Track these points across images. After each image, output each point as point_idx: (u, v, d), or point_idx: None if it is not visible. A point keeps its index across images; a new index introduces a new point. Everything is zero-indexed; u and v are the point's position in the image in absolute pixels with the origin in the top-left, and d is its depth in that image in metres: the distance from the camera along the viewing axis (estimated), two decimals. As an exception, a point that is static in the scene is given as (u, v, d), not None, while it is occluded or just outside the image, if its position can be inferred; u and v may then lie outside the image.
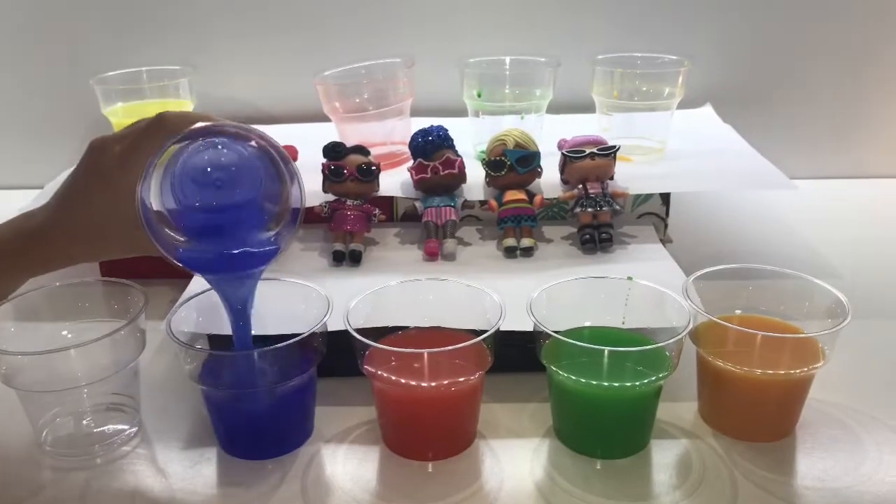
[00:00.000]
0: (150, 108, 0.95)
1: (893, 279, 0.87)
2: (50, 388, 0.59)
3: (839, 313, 0.60)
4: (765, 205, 1.05)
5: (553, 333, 0.57)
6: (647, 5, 1.07)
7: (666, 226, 0.86)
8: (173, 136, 0.54)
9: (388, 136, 0.91)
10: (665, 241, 0.85)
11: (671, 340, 0.57)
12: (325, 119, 0.92)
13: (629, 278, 0.64)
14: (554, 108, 0.93)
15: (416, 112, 0.93)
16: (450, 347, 0.56)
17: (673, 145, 0.92)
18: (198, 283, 0.72)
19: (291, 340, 0.57)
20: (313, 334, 0.58)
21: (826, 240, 0.96)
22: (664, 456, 0.60)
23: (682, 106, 0.92)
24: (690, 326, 0.58)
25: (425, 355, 0.56)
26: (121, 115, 0.94)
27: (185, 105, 0.95)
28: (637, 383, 0.57)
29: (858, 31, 1.09)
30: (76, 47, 1.09)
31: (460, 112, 0.95)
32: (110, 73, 0.94)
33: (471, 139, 0.93)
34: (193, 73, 0.97)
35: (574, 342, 0.56)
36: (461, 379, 0.58)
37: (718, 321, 0.59)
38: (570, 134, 0.86)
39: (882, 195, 1.11)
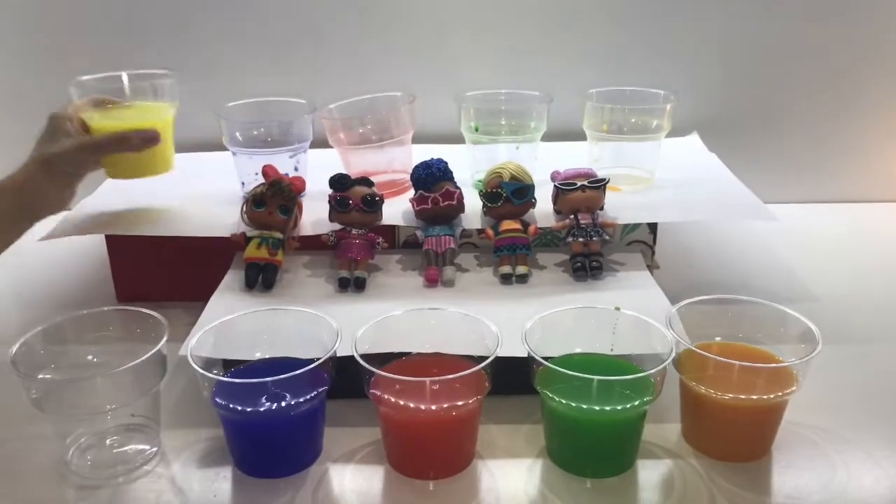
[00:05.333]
0: (129, 112, 0.86)
1: (865, 303, 0.92)
2: (78, 412, 0.63)
3: (811, 340, 0.65)
4: (747, 229, 1.09)
5: (544, 362, 0.62)
6: (637, 40, 1.12)
7: (653, 253, 0.91)
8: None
9: (390, 164, 0.96)
10: (652, 267, 0.89)
11: (654, 370, 0.61)
12: (328, 146, 0.96)
13: (616, 308, 0.69)
14: (548, 136, 0.97)
15: (415, 139, 0.97)
16: (450, 376, 0.60)
17: (661, 174, 0.97)
18: (212, 309, 0.76)
19: (303, 369, 0.61)
20: (323, 361, 0.62)
21: (804, 262, 1.01)
22: (649, 475, 0.64)
23: (669, 133, 0.97)
24: (673, 355, 0.63)
25: (427, 382, 0.61)
26: (97, 119, 0.85)
27: (167, 108, 0.87)
28: (623, 407, 0.62)
29: (835, 64, 1.14)
30: (55, 54, 1.11)
31: (458, 139, 0.99)
32: (87, 77, 0.87)
33: (468, 167, 0.98)
34: (176, 76, 0.89)
35: (564, 371, 0.61)
36: (461, 403, 0.62)
37: (699, 351, 0.63)
38: (563, 161, 0.91)
39: (857, 219, 1.17)
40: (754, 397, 0.63)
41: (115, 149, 0.83)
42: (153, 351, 0.63)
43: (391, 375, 0.61)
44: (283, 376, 0.60)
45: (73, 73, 0.83)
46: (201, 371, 0.62)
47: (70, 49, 1.12)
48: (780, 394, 0.64)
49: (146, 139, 0.83)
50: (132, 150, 0.83)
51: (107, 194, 0.97)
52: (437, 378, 0.60)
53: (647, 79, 1.02)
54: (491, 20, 1.11)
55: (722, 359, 0.63)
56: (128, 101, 0.87)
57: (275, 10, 1.10)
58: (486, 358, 0.62)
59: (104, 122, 0.84)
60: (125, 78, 0.87)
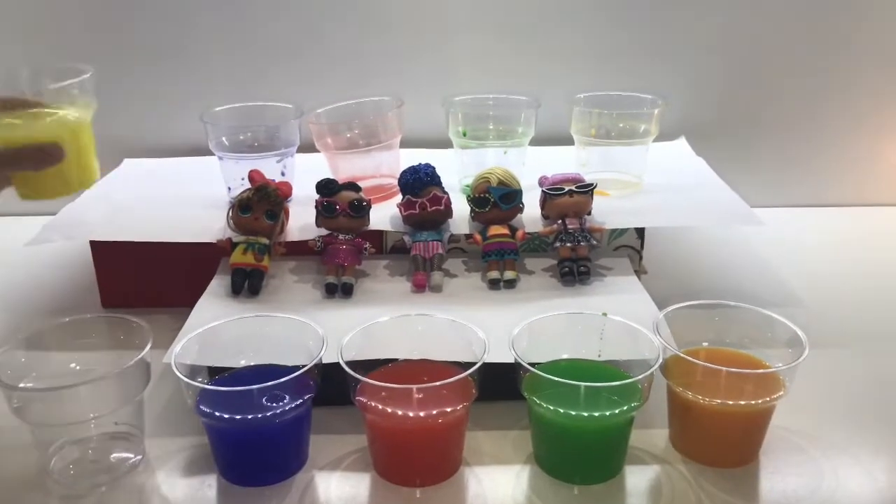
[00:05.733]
0: (27, 119, 0.66)
1: (852, 307, 0.92)
2: (60, 421, 0.62)
3: (798, 346, 0.65)
4: (734, 234, 1.09)
5: (531, 368, 0.61)
6: (624, 44, 1.12)
7: (641, 258, 0.91)
8: None
9: (377, 169, 0.95)
10: (640, 272, 0.89)
11: (642, 376, 0.61)
12: (316, 150, 0.95)
13: (604, 314, 0.69)
14: (535, 141, 0.97)
15: (403, 144, 0.97)
16: (437, 383, 0.60)
17: (648, 179, 0.97)
18: (198, 316, 0.76)
19: (288, 377, 0.60)
20: (309, 369, 0.62)
21: (791, 266, 1.01)
22: (637, 481, 0.64)
23: (657, 138, 0.97)
24: (661, 361, 0.63)
25: (413, 390, 0.60)
26: None
27: (78, 113, 0.69)
28: (611, 413, 0.61)
29: (823, 68, 1.15)
30: (40, 55, 1.09)
31: (446, 143, 0.99)
32: None
33: (456, 172, 0.97)
34: (92, 72, 0.70)
35: (551, 377, 0.60)
36: (448, 410, 0.62)
37: (686, 357, 0.63)
38: (550, 166, 0.91)
39: (844, 223, 1.17)
40: (742, 403, 0.63)
41: (8, 167, 0.66)
42: (136, 359, 0.62)
43: (377, 383, 0.61)
44: (268, 384, 0.60)
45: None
46: (185, 379, 0.61)
47: (47, 49, 1.11)
48: (767, 399, 0.63)
49: (45, 155, 0.65)
50: (29, 168, 0.66)
51: (91, 200, 0.96)
52: (423, 385, 0.60)
53: (634, 83, 1.02)
54: (478, 25, 1.11)
55: (709, 365, 0.63)
56: (36, 102, 0.67)
57: (262, 14, 1.10)
58: (473, 364, 0.62)
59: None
60: (25, 74, 0.70)
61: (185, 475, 0.65)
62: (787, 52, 1.14)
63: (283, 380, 0.60)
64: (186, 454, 0.68)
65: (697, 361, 0.63)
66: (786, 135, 1.19)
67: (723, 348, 0.69)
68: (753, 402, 0.63)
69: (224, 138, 0.94)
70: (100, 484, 0.64)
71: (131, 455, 0.67)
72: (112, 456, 0.66)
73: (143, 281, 0.90)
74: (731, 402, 0.63)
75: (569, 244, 0.83)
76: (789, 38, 1.13)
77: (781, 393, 0.63)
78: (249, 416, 0.61)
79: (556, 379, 0.60)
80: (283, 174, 0.94)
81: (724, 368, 0.62)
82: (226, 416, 0.61)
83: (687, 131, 1.13)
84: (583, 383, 0.60)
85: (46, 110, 0.67)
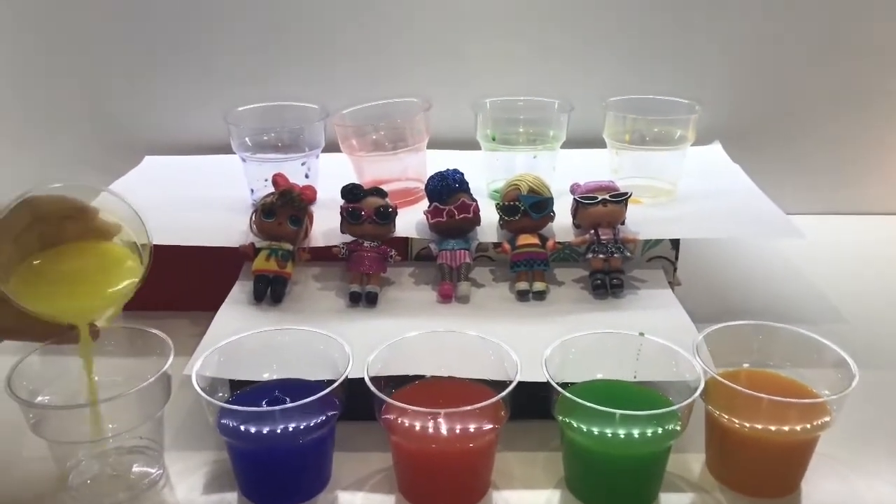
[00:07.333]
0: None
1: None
2: (78, 438, 0.60)
3: (845, 369, 0.62)
4: (772, 242, 1.06)
5: (565, 393, 0.59)
6: (656, 46, 1.09)
7: (675, 269, 0.88)
8: None
9: (403, 172, 0.93)
10: (674, 283, 0.86)
11: (682, 404, 0.58)
12: (339, 150, 0.93)
13: (641, 334, 0.66)
14: (567, 143, 0.94)
15: (429, 145, 0.94)
16: (466, 408, 0.57)
17: (683, 186, 0.94)
18: (219, 324, 0.74)
19: (313, 397, 0.58)
20: (334, 387, 0.60)
21: (831, 278, 0.97)
22: (672, 510, 0.62)
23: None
24: (702, 387, 0.60)
25: (442, 413, 0.58)
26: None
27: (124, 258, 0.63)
28: (647, 439, 0.59)
29: (860, 71, 1.10)
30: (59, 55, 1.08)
31: (473, 145, 0.96)
32: None
33: (484, 176, 0.94)
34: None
35: (587, 403, 0.58)
36: (477, 434, 0.59)
37: (726, 382, 0.60)
38: (582, 170, 0.88)
39: (884, 232, 1.13)
40: (785, 429, 0.60)
41: (9, 336, 0.62)
42: (157, 375, 0.60)
43: (404, 406, 0.58)
44: (291, 405, 0.58)
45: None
46: (206, 397, 0.59)
47: (74, 48, 1.10)
48: (809, 426, 0.60)
49: (55, 336, 0.62)
50: (32, 340, 0.63)
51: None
52: (451, 410, 0.58)
53: (665, 84, 0.99)
54: (508, 24, 1.08)
55: (750, 392, 0.59)
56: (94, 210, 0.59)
57: (286, 11, 1.07)
58: (502, 383, 0.60)
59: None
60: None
61: (205, 492, 0.63)
62: (826, 52, 1.10)
63: (307, 400, 0.58)
64: (207, 470, 0.66)
65: (738, 388, 0.60)
66: (824, 138, 1.14)
67: (765, 370, 0.66)
68: (797, 428, 0.60)
69: (247, 139, 0.92)
70: (119, 501, 0.62)
71: (151, 470, 0.65)
72: (131, 471, 0.64)
73: (163, 284, 0.87)
74: (773, 429, 0.60)
75: (601, 255, 0.80)
76: (828, 38, 1.09)
77: (828, 420, 0.60)
78: (272, 436, 0.59)
79: (592, 406, 0.57)
80: (307, 176, 0.92)
81: (765, 396, 0.59)
82: (247, 434, 0.59)
83: (719, 134, 1.09)
84: (618, 411, 0.57)
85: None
